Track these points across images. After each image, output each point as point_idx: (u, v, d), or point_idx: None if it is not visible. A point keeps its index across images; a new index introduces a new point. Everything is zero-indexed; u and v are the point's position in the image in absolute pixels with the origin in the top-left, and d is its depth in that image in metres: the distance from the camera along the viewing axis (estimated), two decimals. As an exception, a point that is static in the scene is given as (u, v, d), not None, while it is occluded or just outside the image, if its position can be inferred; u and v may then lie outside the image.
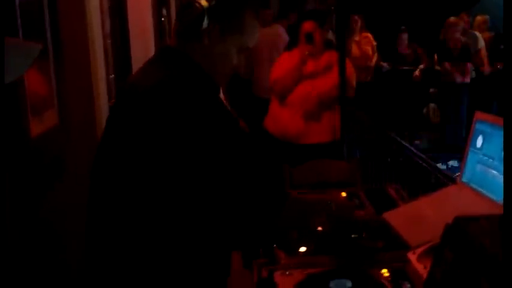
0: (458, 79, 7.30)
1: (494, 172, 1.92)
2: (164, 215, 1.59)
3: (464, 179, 2.13)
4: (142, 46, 4.05)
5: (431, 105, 8.31)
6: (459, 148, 2.31)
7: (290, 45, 4.74)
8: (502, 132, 1.92)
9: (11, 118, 1.84)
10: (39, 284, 2.00)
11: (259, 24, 1.83)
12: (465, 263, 1.17)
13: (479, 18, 8.40)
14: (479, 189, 2.00)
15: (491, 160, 1.96)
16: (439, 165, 3.71)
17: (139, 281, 1.63)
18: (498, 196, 1.86)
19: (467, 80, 7.35)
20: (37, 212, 1.98)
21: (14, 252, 1.78)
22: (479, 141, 2.06)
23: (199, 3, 1.69)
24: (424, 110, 8.36)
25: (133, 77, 1.85)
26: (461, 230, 1.23)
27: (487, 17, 8.38)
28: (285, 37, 6.48)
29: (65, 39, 2.40)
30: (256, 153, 1.86)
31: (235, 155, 1.69)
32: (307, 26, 4.03)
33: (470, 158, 2.11)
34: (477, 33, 7.89)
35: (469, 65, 7.35)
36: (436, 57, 7.68)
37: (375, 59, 8.02)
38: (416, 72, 7.91)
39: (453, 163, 5.93)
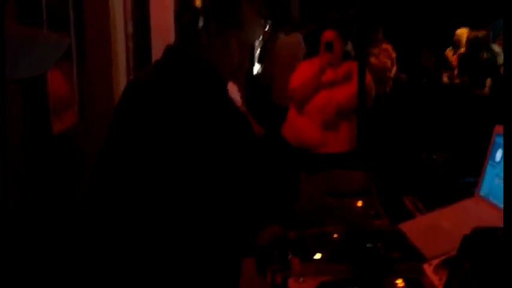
0: (478, 93, 7.27)
1: (513, 186, 1.90)
2: (167, 218, 1.60)
3: (481, 193, 2.11)
4: (164, 48, 4.06)
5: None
6: (476, 163, 2.29)
7: (309, 54, 4.74)
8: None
9: (35, 116, 1.87)
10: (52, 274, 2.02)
11: (260, 20, 1.84)
12: (482, 274, 1.16)
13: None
14: (497, 203, 1.98)
15: (510, 174, 1.94)
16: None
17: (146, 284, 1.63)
18: (516, 210, 1.85)
19: (486, 93, 7.31)
20: (59, 206, 2.00)
21: (32, 248, 1.80)
22: (499, 155, 2.04)
23: (193, 5, 1.71)
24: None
25: (138, 76, 1.88)
26: (479, 241, 1.22)
27: None
28: (303, 45, 6.50)
29: (88, 40, 2.42)
30: (266, 153, 1.86)
31: (241, 152, 1.69)
32: (328, 34, 4.03)
33: (489, 171, 2.09)
34: (498, 48, 7.85)
35: (489, 80, 7.31)
36: (456, 71, 7.66)
37: (394, 71, 8.00)
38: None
39: (469, 179, 5.87)
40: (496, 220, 1.89)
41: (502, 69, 7.64)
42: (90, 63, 2.45)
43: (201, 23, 1.71)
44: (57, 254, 2.05)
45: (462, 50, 7.90)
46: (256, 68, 7.93)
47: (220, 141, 1.61)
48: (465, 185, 2.47)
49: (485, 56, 7.38)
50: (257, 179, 1.70)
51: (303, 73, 4.09)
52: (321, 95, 3.98)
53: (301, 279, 1.71)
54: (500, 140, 2.06)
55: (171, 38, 4.52)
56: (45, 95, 1.91)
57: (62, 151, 2.04)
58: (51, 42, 1.07)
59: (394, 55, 8.02)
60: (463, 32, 8.14)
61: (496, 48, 7.85)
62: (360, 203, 2.37)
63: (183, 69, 1.69)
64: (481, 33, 7.47)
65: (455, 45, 8.22)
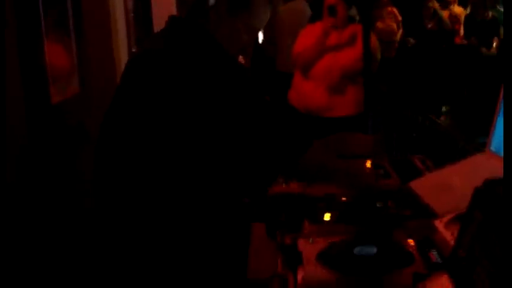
0: (485, 52, 7.19)
1: (524, 139, 1.87)
2: (174, 183, 1.58)
3: (492, 148, 2.08)
4: (165, 16, 4.02)
5: None
6: (485, 122, 2.26)
7: (313, 18, 4.69)
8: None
9: (32, 87, 1.84)
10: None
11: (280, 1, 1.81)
12: (495, 225, 1.13)
13: None
14: (508, 157, 1.95)
15: (520, 127, 1.90)
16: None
17: (156, 250, 1.62)
18: (528, 163, 1.81)
19: (493, 53, 7.23)
20: (60, 176, 2.00)
21: (32, 216, 1.79)
22: (509, 109, 2.00)
23: None
24: None
25: (143, 46, 1.84)
26: (491, 192, 1.19)
27: None
28: (308, 12, 6.40)
29: (86, 10, 2.39)
30: (274, 123, 1.82)
31: (246, 124, 1.65)
32: (331, -2, 3.97)
33: (499, 126, 2.05)
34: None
35: (496, 39, 7.22)
36: (462, 31, 7.57)
37: (399, 35, 7.91)
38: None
39: (479, 139, 5.80)
40: (508, 173, 1.86)
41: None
42: (89, 33, 2.42)
43: (211, 2, 1.66)
44: (57, 223, 2.04)
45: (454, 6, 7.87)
46: (260, 36, 7.85)
47: (229, 116, 1.58)
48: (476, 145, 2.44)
49: (490, 15, 7.29)
50: (264, 140, 1.67)
51: (306, 38, 4.05)
52: (325, 59, 3.94)
53: (311, 240, 1.69)
54: (509, 93, 2.02)
55: (172, 7, 4.48)
56: (42, 65, 1.89)
57: (62, 121, 2.03)
58: None
59: (399, 18, 7.93)
60: None
61: (501, 8, 7.76)
62: (369, 164, 2.34)
63: (192, 40, 1.65)
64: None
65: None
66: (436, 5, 8.01)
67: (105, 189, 1.69)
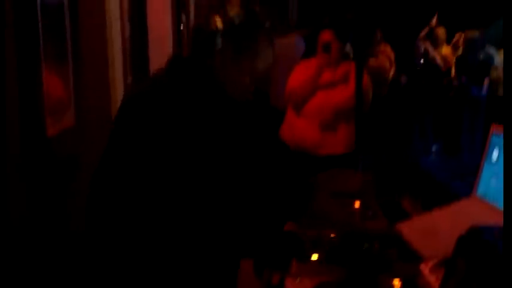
0: (475, 93, 7.25)
1: (510, 186, 1.90)
2: (169, 224, 1.60)
3: (478, 193, 2.11)
4: (161, 50, 4.07)
5: None
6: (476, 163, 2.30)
7: (307, 53, 4.73)
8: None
9: (29, 118, 1.87)
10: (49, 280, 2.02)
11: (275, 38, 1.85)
12: (479, 273, 1.16)
13: None
14: (494, 203, 1.98)
15: (506, 174, 1.94)
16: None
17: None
18: (513, 210, 1.84)
19: (484, 94, 7.29)
20: (52, 209, 2.01)
21: (27, 247, 1.80)
22: (495, 155, 2.05)
23: (216, 25, 1.70)
24: None
25: (138, 88, 1.88)
26: (475, 240, 1.22)
27: None
28: (301, 47, 6.46)
29: (84, 43, 2.42)
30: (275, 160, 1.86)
31: (245, 167, 1.69)
32: (325, 35, 4.02)
33: (486, 171, 2.09)
34: (495, 50, 7.83)
35: (486, 80, 7.29)
36: (453, 71, 7.64)
37: (392, 72, 7.97)
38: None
39: (471, 178, 5.82)
40: (493, 220, 1.89)
41: (499, 70, 7.64)
42: (86, 66, 2.45)
43: (218, 45, 1.70)
44: (52, 256, 2.05)
45: (443, 48, 7.95)
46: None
47: (226, 160, 1.62)
48: (463, 186, 2.47)
49: (481, 56, 7.37)
50: (265, 183, 1.71)
51: (300, 74, 4.08)
52: (318, 97, 3.97)
53: (298, 279, 1.71)
54: (496, 139, 2.06)
55: (168, 41, 4.54)
56: (40, 97, 1.92)
57: (57, 154, 2.05)
58: None
59: (392, 56, 8.00)
60: (442, 31, 8.18)
61: (493, 49, 7.84)
62: (357, 204, 2.37)
63: (195, 82, 1.68)
64: (477, 33, 7.47)
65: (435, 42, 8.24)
66: (428, 45, 8.11)
67: (97, 225, 1.71)
